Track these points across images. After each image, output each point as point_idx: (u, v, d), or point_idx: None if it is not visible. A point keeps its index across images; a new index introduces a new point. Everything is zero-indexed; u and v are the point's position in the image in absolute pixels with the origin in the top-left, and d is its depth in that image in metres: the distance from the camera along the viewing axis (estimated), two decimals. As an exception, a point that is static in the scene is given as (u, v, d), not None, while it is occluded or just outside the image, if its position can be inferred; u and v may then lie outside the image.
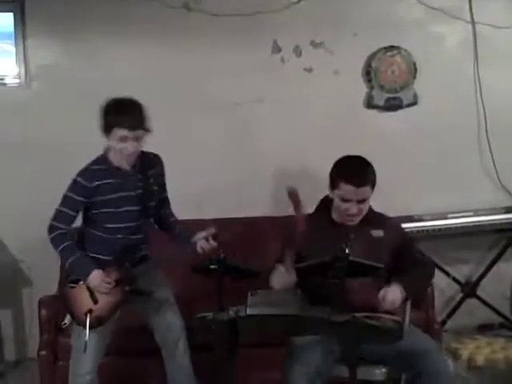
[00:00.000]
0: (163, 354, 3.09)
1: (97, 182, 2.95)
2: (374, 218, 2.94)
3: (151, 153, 3.13)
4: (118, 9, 4.14)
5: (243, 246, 3.68)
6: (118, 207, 2.98)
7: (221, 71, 4.26)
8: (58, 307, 3.47)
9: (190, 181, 4.14)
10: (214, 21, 4.17)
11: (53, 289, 3.77)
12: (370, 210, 2.95)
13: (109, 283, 2.91)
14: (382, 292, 2.69)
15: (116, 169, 2.99)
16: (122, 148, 2.90)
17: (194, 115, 4.28)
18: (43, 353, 3.43)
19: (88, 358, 2.91)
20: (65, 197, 2.99)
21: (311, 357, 2.66)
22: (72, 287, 2.97)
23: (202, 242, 2.98)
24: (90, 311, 2.90)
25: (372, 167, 2.89)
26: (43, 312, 3.48)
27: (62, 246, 2.96)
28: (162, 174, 3.17)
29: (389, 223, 3.01)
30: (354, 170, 2.85)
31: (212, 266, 2.59)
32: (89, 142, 4.01)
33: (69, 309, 2.99)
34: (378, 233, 2.91)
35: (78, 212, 3.00)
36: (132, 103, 2.97)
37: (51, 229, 3.00)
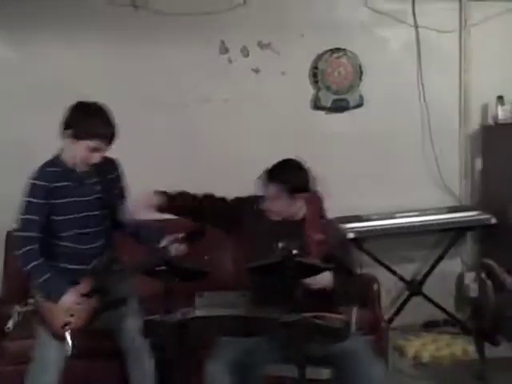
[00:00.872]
0: (128, 358, 3.00)
1: (55, 184, 2.82)
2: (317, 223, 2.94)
3: (108, 157, 2.97)
4: (66, 5, 4.06)
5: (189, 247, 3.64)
6: (75, 212, 2.86)
7: (167, 71, 4.23)
8: (0, 310, 3.36)
9: (133, 181, 4.10)
10: (161, 20, 4.14)
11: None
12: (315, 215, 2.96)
13: (81, 302, 2.82)
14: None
15: (71, 171, 2.87)
16: (87, 157, 2.80)
17: (140, 115, 4.21)
18: None
19: (51, 371, 2.82)
20: (27, 203, 2.82)
21: (228, 352, 2.67)
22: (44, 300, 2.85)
23: (176, 245, 2.90)
24: (67, 324, 2.79)
25: (300, 172, 2.89)
26: None
27: (32, 265, 2.80)
28: (119, 178, 3.07)
29: (329, 228, 3.01)
30: (272, 166, 2.90)
31: (159, 268, 2.55)
32: (35, 137, 4.03)
33: (44, 322, 2.85)
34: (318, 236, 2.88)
35: (43, 216, 2.81)
36: (104, 111, 2.87)
37: (21, 241, 2.81)
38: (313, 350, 2.57)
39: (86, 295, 2.84)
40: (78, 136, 2.78)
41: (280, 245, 2.60)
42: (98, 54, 4.15)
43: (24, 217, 2.82)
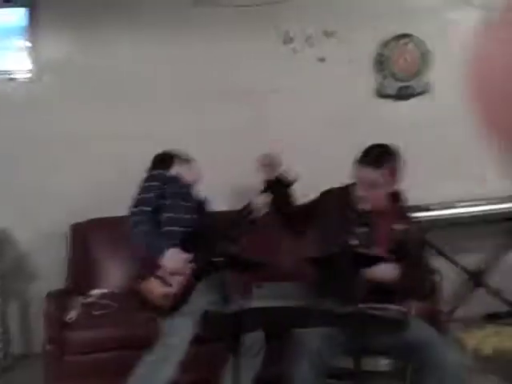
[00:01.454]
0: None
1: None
2: (399, 212, 2.94)
3: None
4: (128, 2, 4.17)
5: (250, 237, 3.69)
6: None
7: (233, 62, 4.28)
8: (64, 301, 3.51)
9: (205, 171, 4.19)
10: (223, 13, 4.17)
11: (59, 283, 3.79)
12: (400, 203, 2.99)
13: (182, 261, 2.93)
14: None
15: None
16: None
17: (208, 105, 4.29)
18: (48, 347, 3.35)
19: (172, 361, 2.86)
20: (143, 187, 3.12)
21: (313, 346, 2.69)
22: (141, 281, 2.97)
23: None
24: (167, 295, 2.90)
25: (391, 156, 2.88)
26: (49, 307, 3.41)
27: (139, 229, 2.99)
28: None
29: (410, 221, 3.01)
30: (367, 152, 2.87)
31: (216, 259, 2.60)
32: (101, 134, 4.18)
33: (148, 303, 2.95)
34: (399, 226, 2.89)
35: (156, 197, 3.09)
36: None
37: (133, 214, 3.04)
38: (373, 342, 2.61)
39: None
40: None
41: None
42: (161, 49, 4.22)
43: (139, 196, 3.09)
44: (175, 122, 4.27)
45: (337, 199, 2.99)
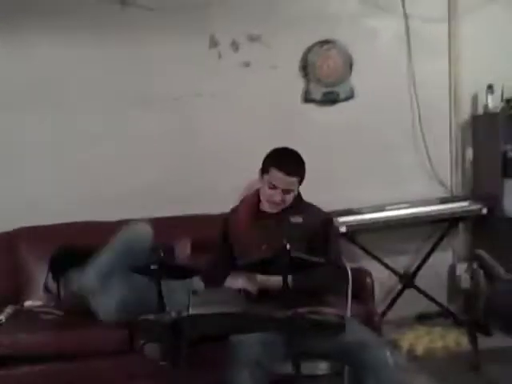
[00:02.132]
0: None
1: None
2: (296, 206, 3.02)
3: None
4: (53, 3, 4.03)
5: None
6: None
7: (158, 66, 4.21)
8: None
9: (127, 178, 4.09)
10: (150, 15, 4.10)
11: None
12: (298, 199, 3.05)
13: None
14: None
15: None
16: None
17: (131, 110, 4.22)
18: None
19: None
20: None
21: (251, 353, 2.65)
22: None
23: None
24: None
25: (304, 163, 2.99)
26: None
27: None
28: None
29: (311, 210, 3.07)
30: (287, 159, 2.96)
31: (152, 267, 2.53)
32: (23, 139, 4.04)
33: None
34: (296, 219, 2.99)
35: None
36: None
37: None
38: (311, 346, 2.58)
39: None
40: None
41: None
42: (85, 52, 4.12)
43: None
44: (97, 128, 4.15)
45: (242, 213, 3.08)
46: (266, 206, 3.01)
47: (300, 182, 2.98)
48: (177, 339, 2.25)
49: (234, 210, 3.19)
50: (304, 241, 2.87)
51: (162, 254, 2.60)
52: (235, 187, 4.10)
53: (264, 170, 2.98)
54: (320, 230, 3.00)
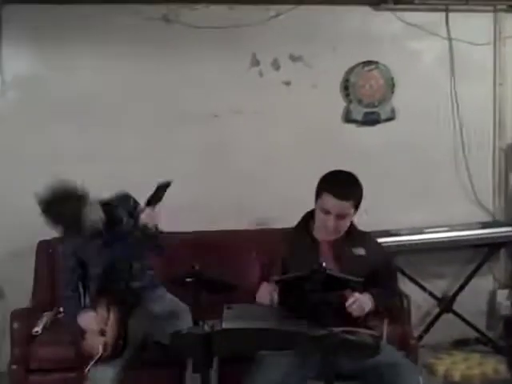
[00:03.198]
0: None
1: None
2: (356, 236, 2.90)
3: None
4: (97, 19, 4.12)
5: (219, 259, 3.64)
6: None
7: (198, 84, 4.25)
8: (30, 320, 3.51)
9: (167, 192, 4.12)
10: (192, 33, 4.15)
11: (25, 302, 3.74)
12: (353, 227, 2.92)
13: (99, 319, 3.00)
14: (354, 295, 2.67)
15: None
16: None
17: (172, 127, 4.26)
18: (14, 367, 3.36)
19: None
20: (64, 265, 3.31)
21: (274, 369, 2.62)
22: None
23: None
24: (106, 344, 2.95)
25: (360, 186, 2.84)
26: (15, 325, 3.43)
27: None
28: None
29: (372, 243, 2.98)
30: (339, 182, 2.80)
31: (188, 279, 2.54)
32: (65, 150, 4.09)
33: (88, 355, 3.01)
34: (359, 251, 2.87)
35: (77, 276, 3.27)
36: None
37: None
38: (343, 366, 2.55)
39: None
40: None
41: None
42: (128, 68, 4.19)
43: None
44: (138, 142, 4.21)
45: (295, 236, 2.94)
46: (319, 233, 2.87)
47: (356, 207, 2.81)
48: (209, 353, 2.24)
49: (287, 234, 3.03)
50: (363, 274, 2.70)
51: (197, 268, 2.61)
52: (272, 206, 4.11)
53: (317, 195, 2.82)
54: (381, 267, 2.88)
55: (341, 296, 2.66)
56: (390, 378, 2.62)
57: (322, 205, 2.78)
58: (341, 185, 2.78)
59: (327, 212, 2.77)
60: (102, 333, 2.98)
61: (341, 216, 2.77)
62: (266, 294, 2.70)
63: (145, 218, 2.95)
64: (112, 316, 2.98)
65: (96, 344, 2.96)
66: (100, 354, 2.92)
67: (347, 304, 2.65)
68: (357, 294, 2.67)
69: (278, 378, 2.62)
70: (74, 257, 3.21)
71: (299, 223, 3.00)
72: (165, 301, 3.26)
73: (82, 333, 3.05)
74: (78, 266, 3.23)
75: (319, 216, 2.82)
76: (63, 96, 4.13)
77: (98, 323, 3.00)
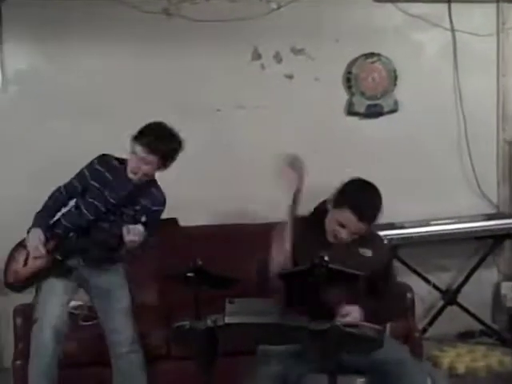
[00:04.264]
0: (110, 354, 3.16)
1: (101, 169, 3.17)
2: (367, 237, 2.84)
3: (159, 189, 3.26)
4: (97, 13, 4.11)
5: (221, 253, 3.64)
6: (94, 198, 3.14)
7: (200, 77, 4.24)
8: (33, 315, 3.40)
9: (168, 188, 4.11)
10: (194, 27, 4.14)
11: (28, 298, 3.71)
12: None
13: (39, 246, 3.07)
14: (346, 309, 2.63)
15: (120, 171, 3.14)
16: (136, 168, 3.09)
17: (173, 121, 4.22)
18: (18, 362, 3.37)
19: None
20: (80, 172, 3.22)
21: (276, 362, 2.61)
22: (16, 248, 3.21)
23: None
24: (16, 272, 3.15)
25: (381, 209, 2.79)
26: (18, 321, 3.44)
27: (44, 203, 3.21)
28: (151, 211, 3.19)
29: (379, 244, 2.94)
30: (366, 205, 2.72)
31: (189, 274, 2.54)
32: (66, 145, 4.09)
33: (5, 266, 3.21)
34: (366, 252, 2.83)
35: (82, 186, 3.18)
36: (165, 129, 3.20)
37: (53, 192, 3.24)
38: (347, 359, 2.54)
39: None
40: (133, 147, 3.09)
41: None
42: (130, 62, 4.19)
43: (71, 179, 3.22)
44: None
45: (306, 226, 2.86)
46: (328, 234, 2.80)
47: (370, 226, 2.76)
48: (211, 347, 2.24)
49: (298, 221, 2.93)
50: (368, 273, 2.66)
51: (200, 263, 2.61)
52: (275, 200, 4.08)
53: (337, 203, 2.73)
54: (383, 266, 2.86)
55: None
56: (396, 376, 2.60)
57: (340, 218, 2.70)
58: (366, 208, 2.71)
59: (342, 226, 2.71)
60: (25, 262, 3.14)
61: (355, 233, 2.73)
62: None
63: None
64: (44, 260, 3.10)
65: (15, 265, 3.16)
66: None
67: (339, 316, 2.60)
68: (348, 308, 2.63)
69: (279, 370, 2.61)
70: (91, 179, 3.18)
71: (312, 216, 2.95)
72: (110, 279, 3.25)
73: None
74: (82, 187, 3.20)
75: (333, 225, 2.75)
76: (64, 91, 4.13)
77: (35, 250, 3.08)
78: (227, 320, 2.36)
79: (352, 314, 2.61)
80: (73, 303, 3.73)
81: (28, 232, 3.18)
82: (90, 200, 3.14)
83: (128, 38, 4.14)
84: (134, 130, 4.12)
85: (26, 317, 3.40)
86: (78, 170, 3.24)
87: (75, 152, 4.06)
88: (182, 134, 4.18)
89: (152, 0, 4.12)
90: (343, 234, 2.72)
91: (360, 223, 2.68)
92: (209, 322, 2.33)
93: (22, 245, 3.20)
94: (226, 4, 4.21)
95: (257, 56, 4.33)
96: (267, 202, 4.22)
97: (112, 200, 3.12)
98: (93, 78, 4.15)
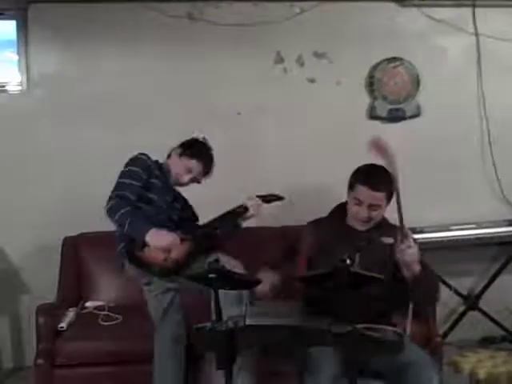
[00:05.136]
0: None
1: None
2: (387, 227, 2.94)
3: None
4: (121, 17, 4.16)
5: (243, 255, 3.64)
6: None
7: (223, 81, 4.27)
8: (55, 315, 3.53)
9: (190, 189, 4.13)
10: (216, 31, 4.18)
11: (51, 296, 3.78)
12: (385, 220, 2.98)
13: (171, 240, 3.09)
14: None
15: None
16: (180, 174, 3.37)
17: (196, 124, 4.24)
18: (40, 361, 3.37)
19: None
20: (127, 171, 3.22)
21: (327, 367, 2.63)
22: (142, 249, 3.11)
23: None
24: (166, 259, 3.11)
25: (391, 179, 2.83)
26: (41, 320, 3.45)
27: (119, 213, 3.06)
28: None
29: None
30: (372, 174, 2.87)
31: (210, 275, 2.55)
32: (90, 148, 4.13)
33: (146, 267, 3.14)
34: (388, 240, 2.90)
35: (141, 183, 3.19)
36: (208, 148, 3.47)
37: (110, 199, 3.11)
38: (368, 363, 2.54)
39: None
40: (181, 154, 3.38)
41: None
42: (154, 66, 4.22)
43: (120, 180, 3.20)
44: (163, 144, 4.21)
45: (327, 227, 2.98)
46: (353, 223, 2.94)
47: (388, 199, 2.88)
48: (232, 349, 2.25)
49: (318, 222, 3.09)
50: (391, 262, 2.78)
51: (222, 264, 2.61)
52: (297, 202, 4.10)
53: (350, 187, 2.91)
54: None
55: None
56: (413, 378, 2.61)
57: (355, 195, 2.86)
58: (374, 176, 2.85)
59: (360, 202, 2.85)
60: (168, 251, 3.11)
61: (373, 206, 2.85)
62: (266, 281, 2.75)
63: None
64: (182, 247, 3.13)
65: (158, 255, 3.08)
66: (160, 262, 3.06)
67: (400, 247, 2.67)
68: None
69: (328, 381, 2.61)
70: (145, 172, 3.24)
71: (333, 213, 3.07)
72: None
73: (140, 245, 3.10)
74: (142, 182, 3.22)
75: (352, 207, 2.90)
76: (89, 94, 4.17)
77: (169, 245, 3.08)
78: (248, 322, 2.37)
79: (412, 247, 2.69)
80: (93, 303, 3.79)
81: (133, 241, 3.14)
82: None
83: (152, 42, 4.18)
84: (157, 133, 4.19)
85: (49, 316, 3.45)
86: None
87: (101, 154, 4.15)
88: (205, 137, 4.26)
89: (176, 4, 4.16)
90: (362, 212, 2.85)
91: (374, 193, 2.82)
92: (230, 324, 2.34)
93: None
94: (249, 8, 4.24)
95: (279, 60, 4.35)
96: (288, 205, 4.23)
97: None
98: (117, 82, 4.19)
